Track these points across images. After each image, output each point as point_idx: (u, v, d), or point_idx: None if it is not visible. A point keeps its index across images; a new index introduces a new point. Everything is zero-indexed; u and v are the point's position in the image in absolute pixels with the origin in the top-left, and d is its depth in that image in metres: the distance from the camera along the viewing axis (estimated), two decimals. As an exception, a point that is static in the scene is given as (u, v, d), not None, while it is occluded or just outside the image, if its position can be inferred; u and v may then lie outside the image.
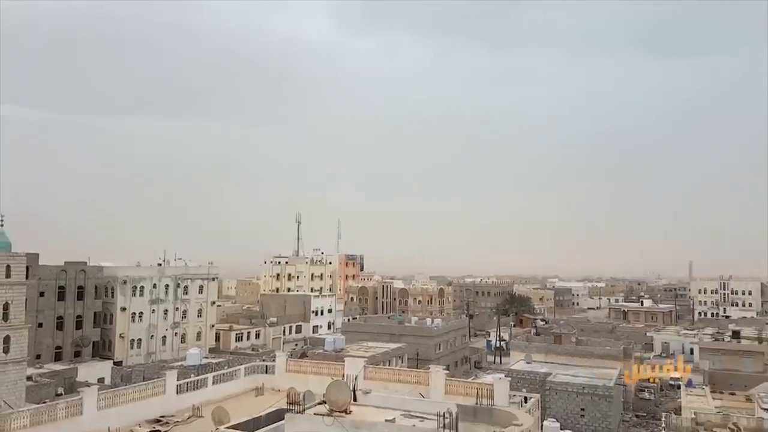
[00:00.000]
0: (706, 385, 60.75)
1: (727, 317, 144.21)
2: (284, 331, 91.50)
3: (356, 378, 29.36)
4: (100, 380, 53.91)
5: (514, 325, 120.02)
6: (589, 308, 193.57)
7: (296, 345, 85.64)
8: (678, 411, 47.06)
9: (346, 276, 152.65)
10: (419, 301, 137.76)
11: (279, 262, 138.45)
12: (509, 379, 34.12)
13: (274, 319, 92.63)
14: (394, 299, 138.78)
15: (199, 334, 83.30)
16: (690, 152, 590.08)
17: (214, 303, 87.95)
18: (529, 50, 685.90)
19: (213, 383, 33.32)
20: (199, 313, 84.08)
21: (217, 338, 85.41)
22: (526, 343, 69.29)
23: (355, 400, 24.95)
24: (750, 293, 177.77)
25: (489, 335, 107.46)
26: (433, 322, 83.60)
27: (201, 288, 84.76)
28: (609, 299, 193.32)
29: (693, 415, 37.18)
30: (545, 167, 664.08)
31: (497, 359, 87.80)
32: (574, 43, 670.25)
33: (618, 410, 49.61)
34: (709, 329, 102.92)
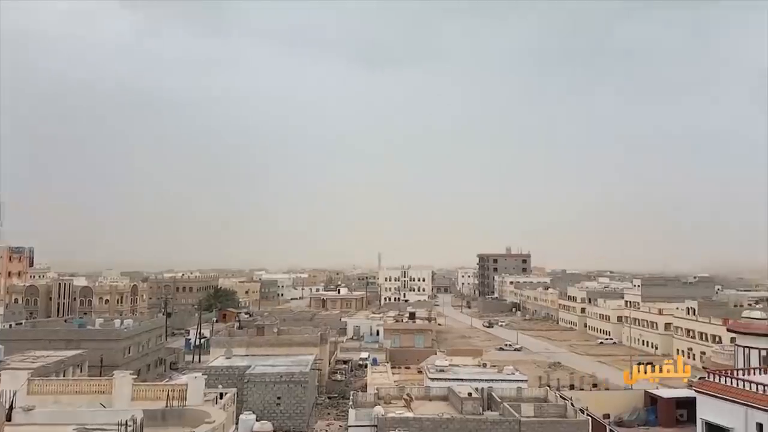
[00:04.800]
0: (388, 362, 68.62)
1: (406, 301, 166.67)
2: None
3: (15, 394, 26.18)
4: None
5: (217, 321, 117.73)
6: (292, 299, 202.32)
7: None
8: (364, 388, 51.74)
9: (10, 273, 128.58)
10: (107, 301, 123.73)
11: None
12: (206, 377, 33.12)
13: None
14: (75, 299, 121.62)
15: None
16: (391, 152, 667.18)
17: None
18: (243, 39, 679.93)
19: None
20: None
21: None
22: (228, 338, 68.01)
23: (9, 419, 21.01)
24: (424, 280, 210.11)
25: (189, 333, 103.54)
26: (122, 323, 76.04)
27: None
28: (311, 289, 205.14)
29: (376, 391, 41.06)
30: (249, 158, 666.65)
31: (197, 358, 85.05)
32: (293, 39, 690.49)
33: (313, 394, 52.21)
34: (392, 312, 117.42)
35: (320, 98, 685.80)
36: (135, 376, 32.34)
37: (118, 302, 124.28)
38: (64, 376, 47.06)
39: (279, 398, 45.33)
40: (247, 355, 59.22)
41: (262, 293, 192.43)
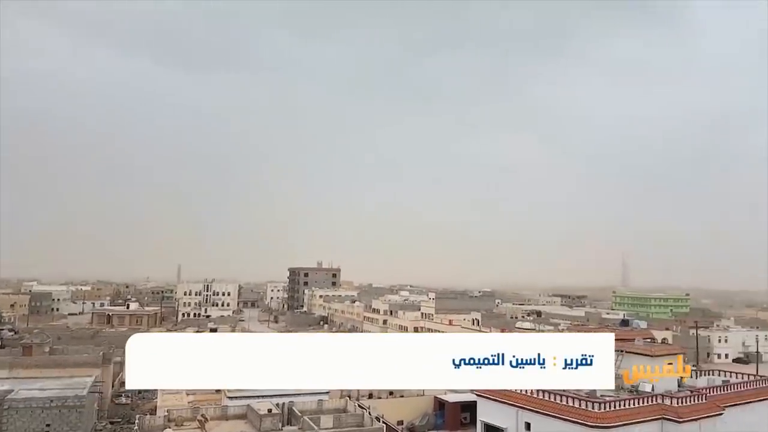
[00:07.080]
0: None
1: (207, 317, 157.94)
2: None
3: None
4: None
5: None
6: (70, 314, 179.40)
7: None
8: (153, 411, 47.35)
9: None
10: None
11: None
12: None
13: None
14: None
15: None
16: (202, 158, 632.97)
17: None
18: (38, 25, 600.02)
19: None
20: None
21: None
22: (-16, 360, 57.79)
23: None
24: (229, 294, 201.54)
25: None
26: None
27: None
28: (94, 303, 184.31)
29: (166, 413, 37.80)
30: (32, 150, 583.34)
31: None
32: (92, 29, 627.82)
33: (91, 420, 46.47)
34: (191, 329, 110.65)
35: (118, 94, 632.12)
36: None
37: None
38: None
39: (48, 426, 39.35)
40: (9, 378, 50.72)
41: (31, 307, 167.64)
